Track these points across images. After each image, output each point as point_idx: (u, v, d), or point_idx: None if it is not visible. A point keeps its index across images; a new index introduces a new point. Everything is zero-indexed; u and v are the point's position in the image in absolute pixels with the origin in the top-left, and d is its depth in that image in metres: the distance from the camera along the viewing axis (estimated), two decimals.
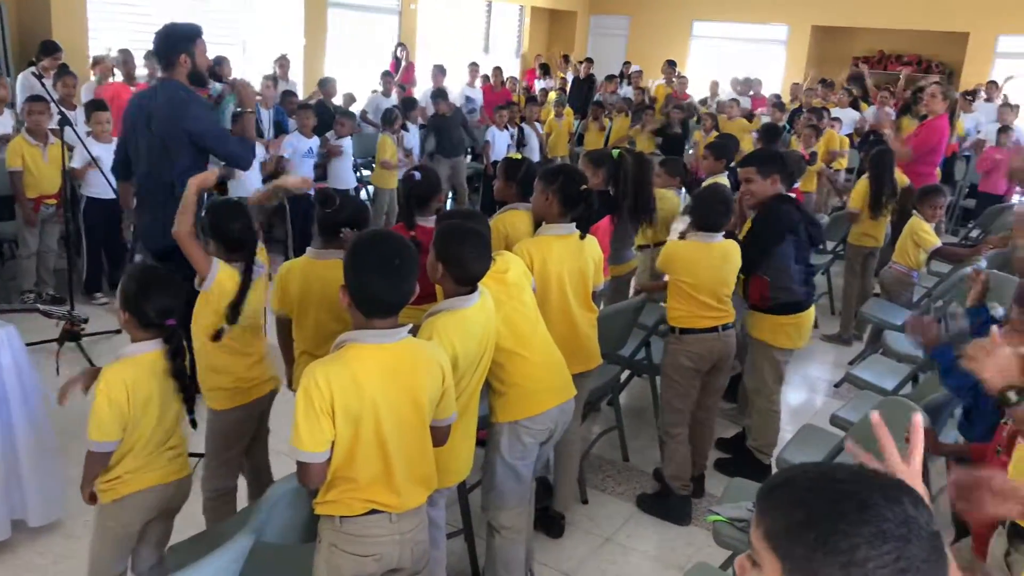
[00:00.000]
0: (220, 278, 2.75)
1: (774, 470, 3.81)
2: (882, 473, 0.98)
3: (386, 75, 9.75)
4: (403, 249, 2.12)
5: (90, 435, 2.32)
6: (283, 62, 9.14)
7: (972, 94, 10.83)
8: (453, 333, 2.39)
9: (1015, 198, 8.26)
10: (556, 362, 2.89)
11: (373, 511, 2.11)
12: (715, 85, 12.68)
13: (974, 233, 7.45)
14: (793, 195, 4.00)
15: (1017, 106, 9.90)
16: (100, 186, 5.36)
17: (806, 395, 5.30)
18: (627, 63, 13.81)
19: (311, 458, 2.02)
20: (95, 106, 5.74)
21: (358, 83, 10.68)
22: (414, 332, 2.30)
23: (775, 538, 0.94)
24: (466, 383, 2.52)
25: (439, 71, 9.85)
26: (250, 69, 10.04)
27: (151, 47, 6.72)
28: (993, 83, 11.15)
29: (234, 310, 2.74)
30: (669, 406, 3.75)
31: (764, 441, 4.00)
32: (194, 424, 2.56)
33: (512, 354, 2.74)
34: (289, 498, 2.15)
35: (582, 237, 3.24)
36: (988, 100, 10.75)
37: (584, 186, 3.25)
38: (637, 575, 3.33)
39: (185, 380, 2.47)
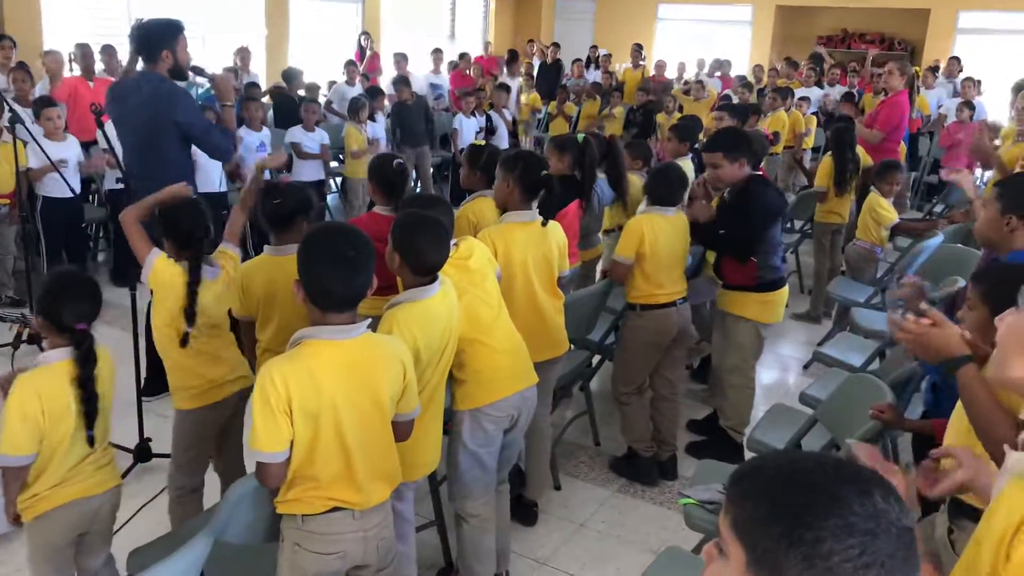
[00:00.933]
0: (158, 268, 2.69)
1: (745, 450, 3.83)
2: (856, 464, 0.96)
3: (350, 64, 9.64)
4: (357, 241, 2.07)
5: (1, 449, 2.22)
6: (244, 54, 8.99)
7: (934, 70, 10.92)
8: (414, 324, 2.36)
9: (977, 173, 8.35)
10: (518, 349, 2.87)
11: (336, 508, 2.08)
12: (682, 67, 12.68)
13: (938, 208, 7.52)
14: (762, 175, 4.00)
15: (979, 81, 9.99)
16: (57, 185, 5.24)
17: (778, 374, 5.32)
18: (594, 47, 13.77)
19: (269, 458, 1.99)
20: (43, 103, 5.60)
21: (322, 73, 10.54)
22: (374, 326, 2.26)
23: (742, 528, 0.93)
24: (429, 375, 2.49)
25: (401, 58, 9.77)
26: (210, 61, 9.87)
27: (107, 41, 6.61)
28: (955, 59, 11.24)
29: (189, 312, 2.68)
30: (624, 377, 3.84)
31: (738, 420, 4.02)
32: (90, 441, 2.38)
33: (473, 342, 2.72)
34: (251, 498, 2.11)
35: (544, 223, 3.22)
36: (949, 76, 10.83)
37: (544, 172, 3.22)
38: (612, 560, 3.33)
39: (89, 389, 2.32)
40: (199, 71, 4.21)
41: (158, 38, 3.90)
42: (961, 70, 10.71)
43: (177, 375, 2.81)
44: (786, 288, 3.97)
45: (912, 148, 8.73)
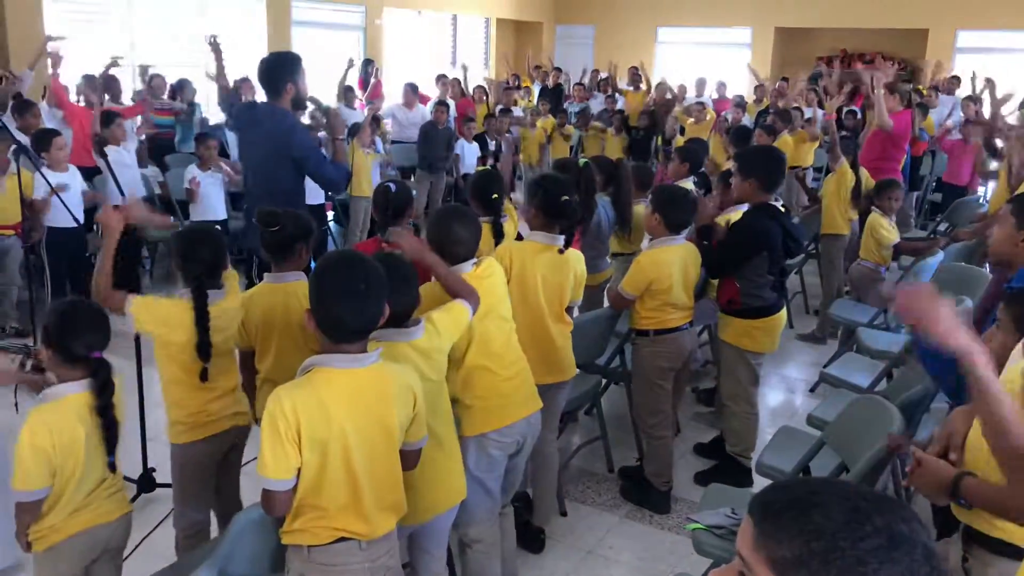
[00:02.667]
0: (140, 314, 2.60)
1: (755, 474, 3.79)
2: (897, 502, 0.94)
3: (348, 90, 9.70)
4: (369, 272, 2.04)
5: (14, 485, 2.22)
6: (246, 85, 9.06)
7: (934, 89, 10.95)
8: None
9: (979, 190, 8.34)
10: (524, 374, 2.86)
11: (342, 539, 2.05)
12: (683, 90, 12.73)
13: (942, 227, 7.50)
14: (779, 204, 3.97)
15: (980, 99, 10.00)
16: (61, 215, 5.25)
17: (784, 396, 5.29)
18: (595, 71, 13.84)
19: (276, 485, 1.97)
20: (47, 134, 5.60)
21: (325, 101, 10.61)
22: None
23: (782, 566, 0.90)
24: None
25: (411, 90, 9.80)
26: (213, 92, 9.94)
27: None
28: (955, 78, 11.27)
29: (204, 346, 2.64)
30: (650, 409, 3.77)
31: (744, 445, 3.99)
32: (111, 467, 2.41)
33: (482, 369, 2.70)
34: (255, 528, 2.08)
35: (563, 249, 3.19)
36: (948, 94, 10.85)
37: (566, 197, 3.21)
38: None
39: (109, 417, 2.33)
40: (316, 102, 4.42)
41: (283, 71, 4.14)
42: (959, 87, 10.74)
43: (172, 409, 2.78)
44: (776, 317, 3.89)
45: (915, 167, 8.73)
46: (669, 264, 3.63)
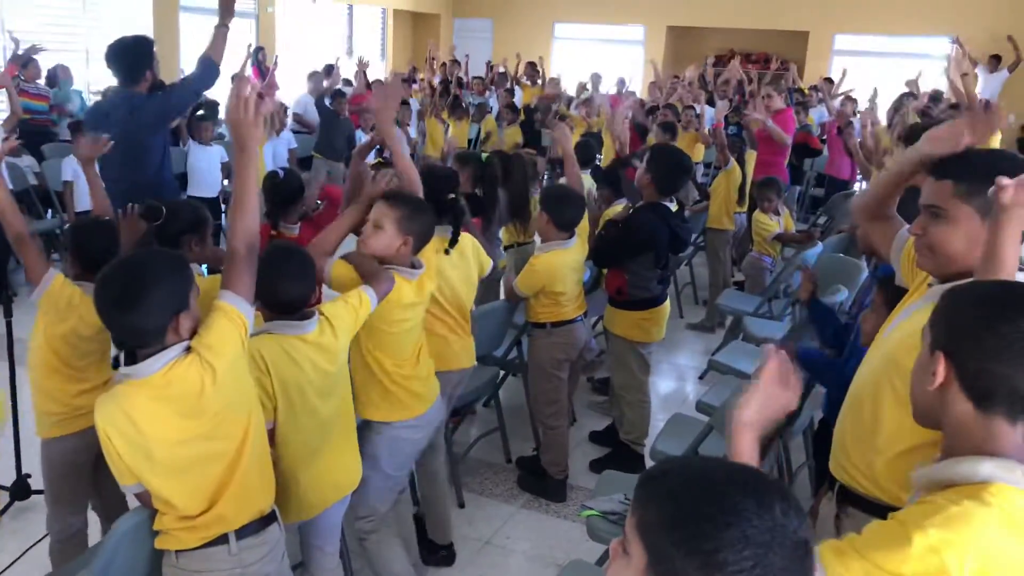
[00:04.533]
0: (54, 290, 2.52)
1: (648, 460, 3.90)
2: (761, 475, 0.98)
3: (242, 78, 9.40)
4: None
5: None
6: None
7: (815, 89, 11.46)
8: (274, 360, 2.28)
9: (857, 185, 8.79)
10: (430, 370, 2.87)
11: (211, 542, 1.98)
12: (581, 87, 12.90)
13: (821, 220, 7.86)
14: (672, 205, 4.05)
15: (855, 100, 10.54)
16: None
17: (675, 384, 5.46)
18: (492, 65, 13.86)
19: (128, 490, 1.93)
20: None
21: (217, 90, 10.24)
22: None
23: (645, 529, 0.95)
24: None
25: (326, 72, 9.57)
26: (94, 79, 9.48)
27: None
28: (828, 80, 11.85)
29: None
30: (546, 399, 3.82)
31: (637, 432, 4.09)
32: None
33: (392, 373, 2.70)
34: (134, 534, 1.98)
35: (451, 245, 3.11)
36: (830, 94, 11.37)
37: (451, 193, 3.16)
38: (518, 575, 3.33)
39: None
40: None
41: (141, 59, 4.05)
42: (833, 89, 11.28)
43: (41, 400, 2.65)
44: (661, 308, 4.01)
45: (798, 163, 9.12)
46: (563, 267, 3.66)
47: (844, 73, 10.72)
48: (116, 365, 2.10)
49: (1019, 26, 12.25)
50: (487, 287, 4.74)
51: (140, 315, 1.84)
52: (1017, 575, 1.19)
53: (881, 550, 1.23)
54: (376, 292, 2.48)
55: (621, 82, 12.45)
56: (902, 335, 1.84)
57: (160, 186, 4.06)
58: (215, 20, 4.23)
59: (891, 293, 2.37)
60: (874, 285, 2.58)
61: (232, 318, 2.01)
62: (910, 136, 3.07)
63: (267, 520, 2.11)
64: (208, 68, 4.15)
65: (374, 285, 2.49)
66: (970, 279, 1.64)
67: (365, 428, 2.74)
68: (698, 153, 8.74)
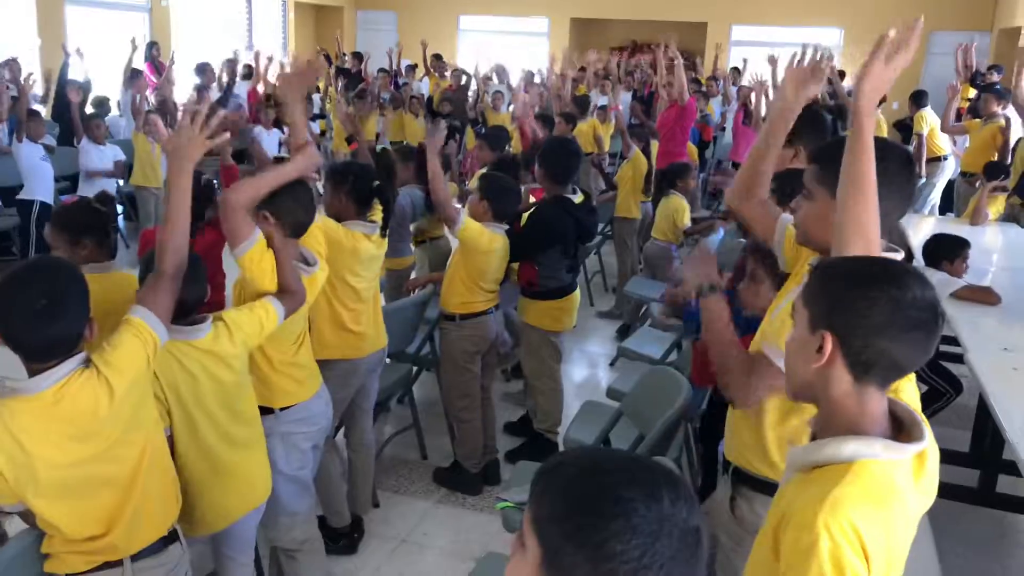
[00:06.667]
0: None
1: (562, 448, 3.94)
2: (650, 464, 0.98)
3: (136, 73, 9.06)
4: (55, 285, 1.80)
5: None
6: (13, 65, 8.24)
7: (713, 79, 11.77)
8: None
9: None
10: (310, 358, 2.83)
11: (103, 565, 1.90)
12: (485, 79, 12.90)
13: (722, 207, 8.09)
14: (576, 197, 4.08)
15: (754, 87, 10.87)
16: None
17: (587, 371, 5.53)
18: (398, 51, 13.68)
19: (9, 509, 1.86)
20: None
21: (108, 85, 9.82)
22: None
23: (538, 523, 0.95)
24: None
25: (204, 69, 9.34)
26: None
27: None
28: (736, 69, 12.20)
29: None
30: (458, 392, 3.82)
31: (551, 421, 4.13)
32: None
33: (281, 362, 2.65)
34: (23, 558, 1.88)
35: (383, 235, 3.22)
36: (734, 84, 11.70)
37: (377, 183, 3.20)
38: (435, 572, 3.32)
39: None
40: None
41: None
42: (739, 78, 11.63)
43: None
44: (572, 297, 4.06)
45: (701, 151, 9.35)
46: (494, 245, 3.67)
47: (745, 63, 11.08)
48: None
49: (906, 18, 12.84)
50: (396, 283, 4.71)
51: (66, 324, 1.78)
52: (889, 538, 1.26)
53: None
54: (284, 307, 2.44)
55: (530, 75, 12.51)
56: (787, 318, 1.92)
57: None
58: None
59: (764, 260, 2.47)
60: (748, 257, 2.69)
61: (142, 335, 1.94)
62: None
63: (168, 539, 2.04)
64: None
65: (285, 300, 2.44)
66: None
67: None
68: (604, 143, 8.87)
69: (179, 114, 8.07)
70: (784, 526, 1.30)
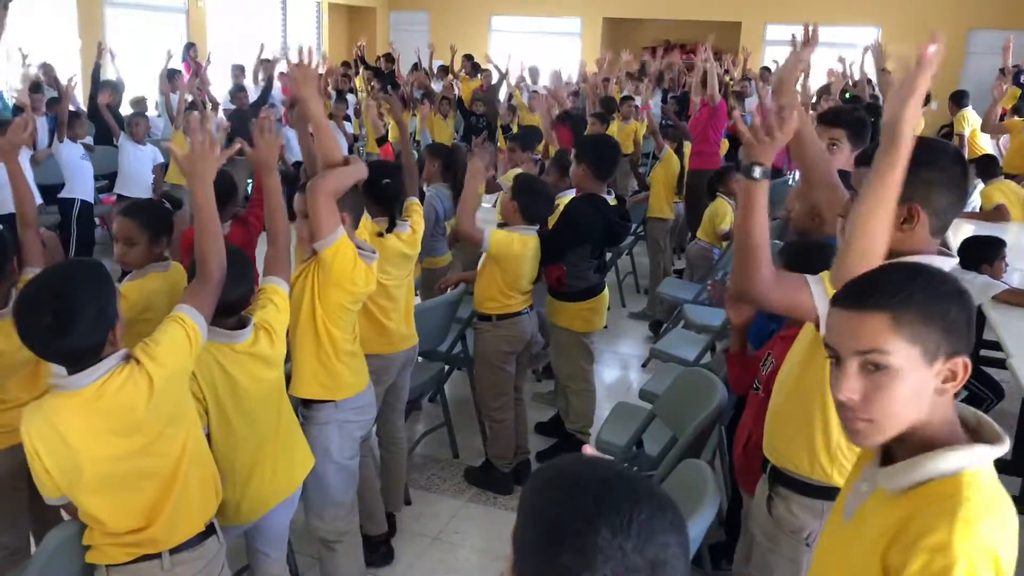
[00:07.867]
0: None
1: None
2: (632, 486, 0.93)
3: (174, 73, 9.20)
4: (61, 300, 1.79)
5: None
6: (47, 68, 8.42)
7: (746, 79, 11.68)
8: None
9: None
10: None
11: (143, 557, 1.93)
12: (520, 80, 12.89)
13: None
14: (610, 197, 4.08)
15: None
16: None
17: (619, 372, 5.51)
18: (429, 55, 13.74)
19: (52, 502, 1.87)
20: None
21: (147, 86, 9.98)
22: None
23: (513, 536, 0.95)
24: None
25: (239, 71, 9.46)
26: (13, 75, 9.13)
27: None
28: (766, 69, 12.09)
29: None
30: (493, 392, 3.82)
31: (583, 422, 4.12)
32: None
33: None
34: (65, 549, 1.91)
35: (388, 230, 3.19)
36: (765, 83, 11.60)
37: (387, 181, 3.19)
38: (467, 569, 3.33)
39: None
40: None
41: None
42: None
43: None
44: (600, 297, 4.03)
45: (732, 152, 9.28)
46: (527, 248, 3.67)
47: (776, 64, 10.95)
48: None
49: (944, 17, 12.65)
50: (430, 282, 4.72)
51: (78, 337, 1.77)
52: (1013, 547, 1.23)
53: None
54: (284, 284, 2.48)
55: (557, 75, 12.48)
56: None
57: None
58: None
59: (792, 259, 2.44)
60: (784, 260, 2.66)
61: (188, 328, 1.98)
62: (823, 115, 3.22)
63: (205, 533, 2.07)
64: None
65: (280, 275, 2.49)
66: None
67: (307, 424, 2.70)
68: (632, 146, 8.83)
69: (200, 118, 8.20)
70: (898, 549, 1.22)
